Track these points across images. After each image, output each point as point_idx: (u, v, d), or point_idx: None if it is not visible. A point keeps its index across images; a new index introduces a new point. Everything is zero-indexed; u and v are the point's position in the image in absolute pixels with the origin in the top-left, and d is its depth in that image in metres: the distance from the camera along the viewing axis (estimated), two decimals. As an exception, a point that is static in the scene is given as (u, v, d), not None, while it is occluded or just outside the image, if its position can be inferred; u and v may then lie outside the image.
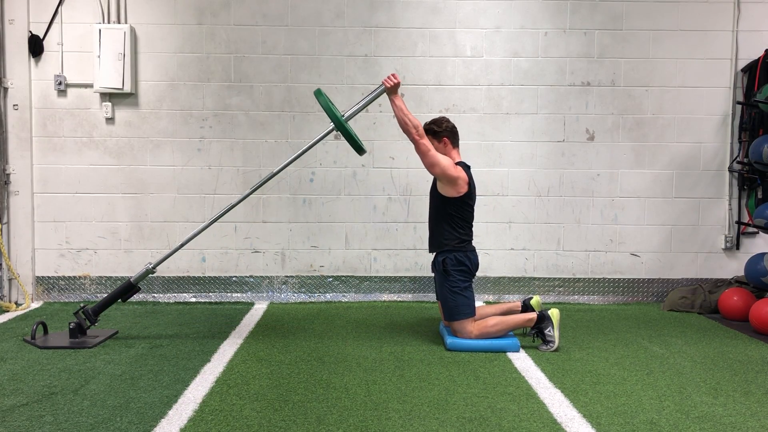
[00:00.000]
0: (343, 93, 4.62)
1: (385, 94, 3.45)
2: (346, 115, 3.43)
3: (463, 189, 3.42)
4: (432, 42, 4.63)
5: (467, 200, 3.47)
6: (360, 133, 4.63)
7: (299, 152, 3.58)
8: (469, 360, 3.26)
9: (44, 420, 2.43)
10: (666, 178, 4.72)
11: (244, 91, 4.62)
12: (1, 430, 2.34)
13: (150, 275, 3.69)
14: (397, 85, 3.40)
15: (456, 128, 3.59)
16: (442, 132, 3.52)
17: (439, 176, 3.42)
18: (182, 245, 3.65)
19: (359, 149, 3.46)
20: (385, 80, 3.39)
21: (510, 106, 4.66)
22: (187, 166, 4.63)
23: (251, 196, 4.62)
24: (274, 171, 3.59)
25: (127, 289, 3.59)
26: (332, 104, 3.36)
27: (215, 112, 4.62)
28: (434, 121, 3.55)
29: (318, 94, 3.35)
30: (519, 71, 4.65)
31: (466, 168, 3.52)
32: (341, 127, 3.32)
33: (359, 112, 3.51)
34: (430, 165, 3.39)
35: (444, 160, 3.40)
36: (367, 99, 3.46)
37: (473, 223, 3.57)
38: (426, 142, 3.38)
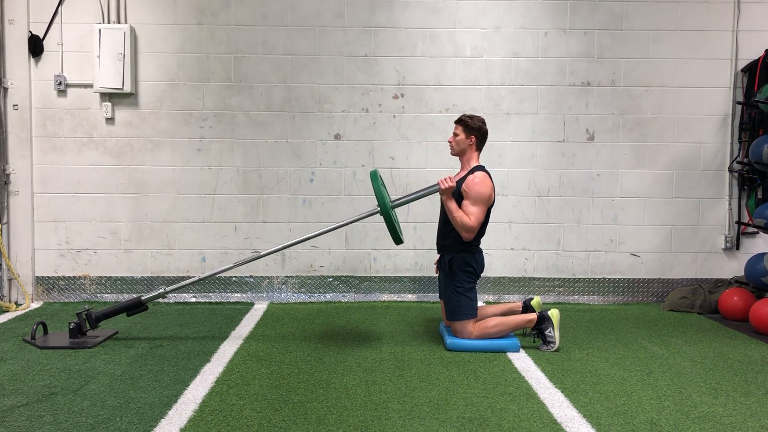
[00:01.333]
0: (343, 93, 4.62)
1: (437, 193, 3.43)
2: (395, 203, 3.41)
3: (492, 201, 3.44)
4: (432, 42, 4.63)
5: (489, 209, 3.47)
6: (360, 133, 4.64)
7: (345, 222, 3.54)
8: (469, 360, 3.26)
9: (44, 420, 2.43)
10: (666, 178, 4.72)
11: (244, 91, 4.62)
12: (1, 430, 2.34)
13: (162, 297, 3.63)
14: (450, 189, 3.35)
15: (487, 134, 3.57)
16: (474, 130, 3.49)
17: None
18: (205, 277, 3.62)
19: (397, 239, 3.36)
20: (441, 181, 3.35)
21: (510, 106, 4.66)
22: (187, 166, 4.63)
23: (251, 196, 4.65)
24: (336, 225, 3.53)
25: (136, 305, 3.58)
26: (385, 188, 3.34)
27: (215, 112, 4.62)
28: (472, 116, 3.51)
29: (373, 177, 3.31)
30: (519, 71, 4.65)
31: (489, 175, 3.46)
32: (387, 214, 3.24)
33: (407, 203, 3.52)
34: (478, 223, 3.38)
35: (481, 211, 3.37)
36: (419, 195, 3.44)
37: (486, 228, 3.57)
38: (471, 235, 3.38)
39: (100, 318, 3.56)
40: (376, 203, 3.32)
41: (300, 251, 4.69)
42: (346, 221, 3.54)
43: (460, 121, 3.52)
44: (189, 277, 4.64)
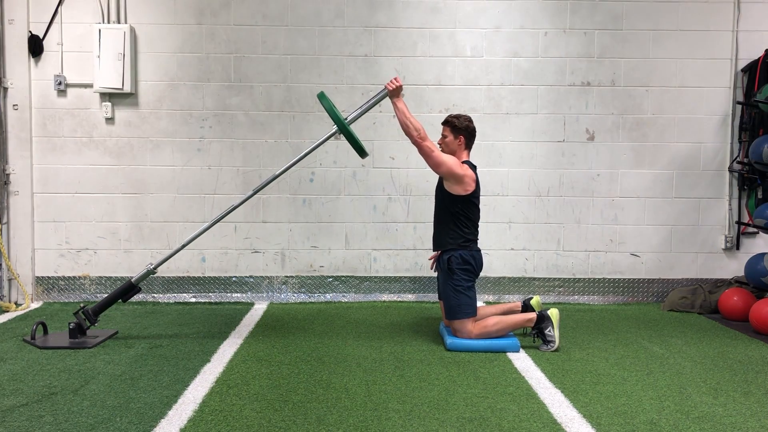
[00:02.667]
0: (343, 93, 4.62)
1: (387, 98, 3.45)
2: (349, 118, 3.43)
3: (471, 187, 3.42)
4: (432, 42, 4.62)
5: (473, 199, 3.47)
6: (360, 133, 4.62)
7: (302, 154, 3.58)
8: (469, 360, 3.26)
9: (44, 420, 2.43)
10: (666, 178, 4.72)
11: (244, 91, 4.62)
12: (1, 430, 2.34)
13: (150, 276, 3.68)
14: (399, 88, 3.41)
15: (475, 132, 3.59)
16: (462, 129, 3.52)
17: (446, 175, 3.42)
18: (183, 246, 3.65)
19: (361, 152, 3.46)
20: (388, 83, 3.41)
21: (510, 106, 4.66)
22: (187, 166, 4.63)
23: (252, 197, 4.63)
24: (276, 173, 3.59)
25: (128, 289, 3.59)
26: (335, 107, 3.36)
27: (215, 112, 4.62)
28: (458, 116, 3.54)
29: (321, 96, 3.36)
30: (519, 71, 4.65)
31: (473, 167, 3.52)
32: (344, 129, 3.32)
33: (362, 115, 3.52)
34: (435, 165, 3.39)
35: (449, 159, 3.40)
36: (370, 102, 3.47)
37: (479, 223, 3.57)
38: (429, 143, 3.37)
39: (97, 311, 3.56)
40: (331, 123, 3.37)
41: (300, 251, 4.69)
42: (307, 151, 3.57)
43: (446, 123, 3.55)
44: (190, 277, 4.65)
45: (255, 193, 3.66)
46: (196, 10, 4.57)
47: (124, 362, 3.16)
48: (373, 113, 4.62)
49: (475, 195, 3.48)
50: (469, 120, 3.55)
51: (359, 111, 3.48)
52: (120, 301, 3.62)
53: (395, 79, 3.41)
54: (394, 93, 3.41)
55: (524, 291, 4.73)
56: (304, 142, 4.62)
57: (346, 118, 3.38)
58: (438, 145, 3.55)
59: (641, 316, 4.33)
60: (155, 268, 3.61)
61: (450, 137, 3.52)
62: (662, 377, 3.03)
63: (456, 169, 3.38)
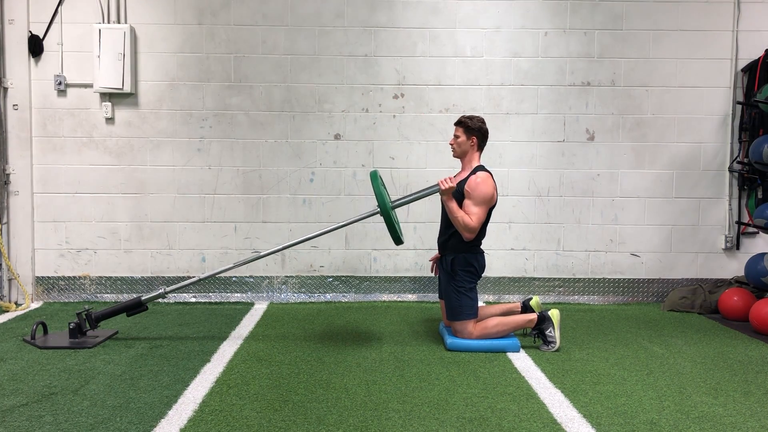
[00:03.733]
0: (343, 93, 4.62)
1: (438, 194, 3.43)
2: (395, 204, 3.41)
3: (494, 201, 3.44)
4: (432, 42, 4.63)
5: (491, 210, 3.47)
6: (360, 133, 4.63)
7: (345, 223, 3.51)
8: (469, 360, 3.26)
9: (44, 420, 2.43)
10: (666, 178, 4.72)
11: (244, 91, 4.62)
12: (1, 430, 2.34)
13: (162, 298, 3.63)
14: (450, 189, 3.34)
15: (488, 133, 3.56)
16: (475, 130, 3.49)
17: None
18: (207, 277, 3.61)
19: (397, 240, 3.35)
20: (441, 181, 3.34)
21: (510, 106, 4.66)
22: (187, 166, 4.63)
23: (251, 196, 4.64)
24: (337, 226, 3.51)
25: (136, 305, 3.58)
26: (385, 188, 3.33)
27: (215, 112, 4.62)
28: (471, 117, 3.52)
29: (373, 178, 3.31)
30: (519, 71, 4.65)
31: (491, 175, 3.46)
32: (387, 215, 3.23)
33: (408, 204, 3.51)
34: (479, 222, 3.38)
35: (482, 211, 3.37)
36: (419, 195, 3.43)
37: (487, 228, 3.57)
38: (472, 235, 3.37)
39: (100, 318, 3.56)
40: (376, 203, 3.31)
41: (300, 251, 4.69)
42: (347, 221, 3.54)
43: (459, 123, 3.52)
44: (189, 277, 4.65)
45: (309, 238, 3.58)
46: (196, 10, 4.57)
47: (124, 362, 3.16)
48: (373, 113, 4.62)
49: (494, 206, 3.48)
50: (482, 121, 3.53)
51: (406, 200, 3.45)
52: (125, 314, 3.62)
53: (450, 178, 3.35)
54: (445, 192, 3.35)
55: (524, 291, 4.73)
56: (304, 142, 4.62)
57: (392, 203, 3.35)
58: (450, 146, 3.56)
59: (641, 316, 4.33)
60: (167, 292, 3.60)
61: (462, 137, 3.51)
62: (662, 377, 3.03)
63: (488, 204, 3.39)
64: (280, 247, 3.55)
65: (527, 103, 4.66)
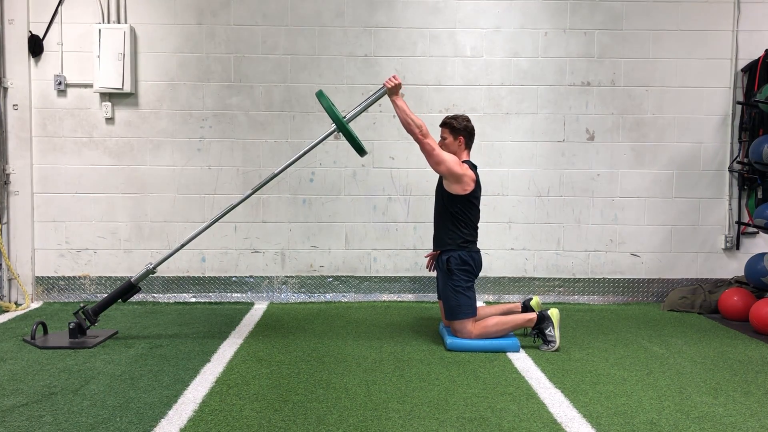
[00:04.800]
0: (343, 93, 4.62)
1: (386, 96, 3.45)
2: (348, 116, 3.43)
3: (470, 187, 3.42)
4: (432, 42, 4.62)
5: (472, 199, 3.46)
6: (360, 133, 4.63)
7: (300, 153, 3.58)
8: (469, 360, 3.26)
9: (44, 420, 2.43)
10: (666, 178, 4.72)
11: (244, 91, 4.62)
12: (1, 430, 2.34)
13: (150, 275, 3.68)
14: (398, 86, 3.40)
15: (474, 131, 3.59)
16: (461, 130, 3.51)
17: (445, 174, 3.42)
18: (183, 245, 3.65)
19: (360, 150, 3.45)
20: (386, 81, 3.40)
21: (510, 106, 4.66)
22: (187, 166, 4.63)
23: (251, 196, 4.63)
24: (275, 172, 3.58)
25: (128, 289, 3.59)
26: (334, 105, 3.36)
27: (215, 112, 4.62)
28: (455, 117, 3.54)
29: (320, 95, 3.35)
30: (519, 71, 4.65)
31: (473, 167, 3.51)
32: (343, 128, 3.31)
33: (361, 113, 3.51)
34: (435, 164, 3.39)
35: (449, 158, 3.39)
36: (369, 100, 3.47)
37: (478, 224, 3.57)
38: (430, 141, 3.36)
39: (97, 311, 3.56)
40: (330, 122, 3.36)
41: (300, 251, 4.69)
42: (304, 151, 3.56)
43: (444, 124, 3.54)
44: (190, 277, 4.65)
45: (253, 192, 3.66)
46: (196, 10, 4.57)
47: (124, 362, 3.16)
48: (373, 113, 4.62)
49: (475, 195, 3.47)
50: (467, 120, 3.55)
51: (358, 109, 3.47)
52: (120, 300, 3.63)
53: (393, 77, 3.39)
54: (393, 90, 3.40)
55: (524, 291, 4.73)
56: (303, 142, 4.62)
57: (345, 116, 3.38)
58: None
59: (641, 316, 4.33)
60: (155, 267, 3.61)
61: (449, 138, 3.52)
62: (662, 377, 3.03)
63: (455, 168, 3.38)
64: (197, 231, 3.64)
65: (527, 103, 4.66)
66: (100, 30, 4.43)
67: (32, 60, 4.53)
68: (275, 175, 3.59)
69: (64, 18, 4.53)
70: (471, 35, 4.63)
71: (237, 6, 4.58)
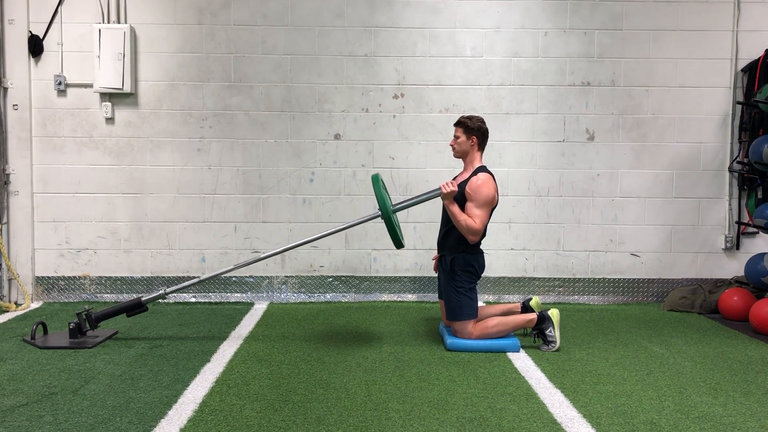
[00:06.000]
0: (343, 93, 4.62)
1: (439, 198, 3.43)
2: (396, 208, 3.40)
3: (495, 203, 3.44)
4: (432, 42, 4.62)
5: (492, 211, 3.47)
6: (360, 133, 4.63)
7: (345, 226, 3.50)
8: (469, 360, 3.26)
9: (44, 420, 2.43)
10: (666, 178, 4.72)
11: (244, 91, 4.62)
12: (1, 430, 2.34)
13: (159, 295, 3.65)
14: (452, 193, 3.34)
15: (488, 132, 3.56)
16: (475, 130, 3.49)
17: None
18: (202, 280, 3.62)
19: (398, 244, 3.35)
20: (443, 185, 3.34)
21: (510, 106, 4.66)
22: (186, 166, 4.63)
23: (251, 196, 4.64)
24: (338, 228, 3.51)
25: (136, 306, 3.59)
26: (387, 192, 3.33)
27: (215, 112, 4.62)
28: (471, 117, 3.52)
29: (375, 181, 3.31)
30: (519, 71, 4.65)
31: (492, 176, 3.46)
32: (388, 219, 3.24)
33: (409, 207, 3.51)
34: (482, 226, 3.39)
35: (485, 212, 3.37)
36: (421, 199, 3.43)
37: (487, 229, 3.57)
38: (475, 238, 3.38)
39: (100, 318, 3.56)
40: (377, 206, 3.31)
41: (300, 251, 4.69)
42: (349, 224, 3.53)
43: (459, 124, 3.52)
44: (190, 277, 4.65)
45: (310, 240, 3.58)
46: (196, 10, 4.57)
47: (124, 362, 3.16)
48: (373, 113, 4.62)
49: (495, 207, 3.48)
50: (482, 121, 3.53)
51: (407, 203, 3.44)
52: (125, 315, 3.63)
53: (450, 183, 3.36)
54: (447, 196, 3.35)
55: (524, 291, 4.73)
56: (303, 142, 4.62)
57: (393, 207, 3.35)
58: (451, 147, 3.56)
59: (641, 316, 4.33)
60: (168, 293, 3.61)
61: (462, 138, 3.51)
62: (662, 377, 3.03)
63: (491, 206, 3.39)
64: (281, 249, 3.56)
65: (527, 103, 4.66)
66: (100, 30, 4.43)
67: (32, 60, 4.53)
68: (327, 235, 3.53)
69: (64, 18, 4.53)
70: (471, 35, 4.63)
71: (237, 6, 4.58)
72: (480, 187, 3.36)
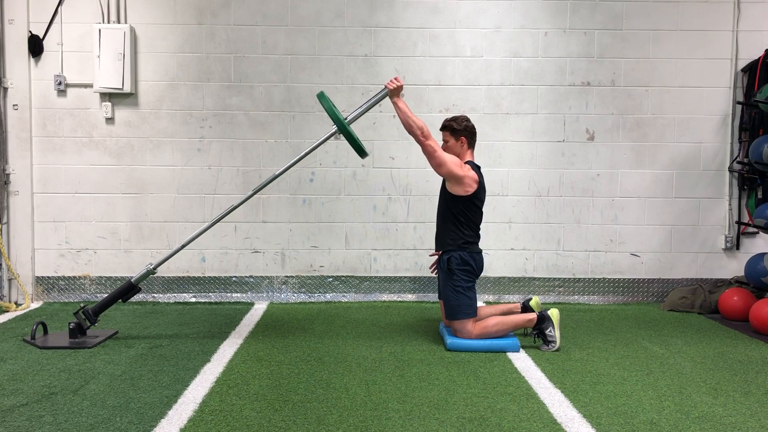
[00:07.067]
0: (343, 93, 4.62)
1: (387, 97, 3.45)
2: (349, 117, 3.42)
3: (471, 188, 3.42)
4: (432, 42, 4.62)
5: (475, 200, 3.46)
6: (360, 133, 4.62)
7: (302, 154, 3.58)
8: (469, 360, 3.26)
9: (44, 420, 2.43)
10: (666, 178, 4.72)
11: (244, 91, 4.62)
12: (1, 430, 2.34)
13: (150, 275, 3.68)
14: (399, 88, 3.40)
15: (475, 129, 3.59)
16: (461, 131, 3.52)
17: (446, 176, 3.42)
18: (183, 246, 3.64)
19: (361, 152, 3.44)
20: (388, 83, 3.41)
21: (510, 106, 4.66)
22: (187, 166, 4.63)
23: (252, 197, 4.63)
24: (276, 173, 3.58)
25: (128, 289, 3.59)
26: (335, 107, 3.36)
27: (215, 112, 4.62)
28: (455, 119, 3.54)
29: (321, 96, 3.36)
30: (519, 71, 4.65)
31: (476, 168, 3.51)
32: (344, 129, 3.32)
33: (362, 114, 3.51)
34: (437, 165, 3.39)
35: (450, 160, 3.39)
36: (370, 102, 3.47)
37: (480, 225, 3.57)
38: (432, 143, 3.36)
39: (97, 311, 3.56)
40: (331, 123, 3.36)
41: (300, 251, 4.69)
42: (303, 153, 3.55)
43: (445, 128, 3.55)
44: (190, 277, 4.65)
45: (254, 193, 3.65)
46: (196, 10, 4.57)
47: (124, 362, 3.16)
48: (374, 113, 4.62)
49: (478, 197, 3.47)
50: (467, 119, 3.55)
51: (359, 111, 3.47)
52: (120, 301, 3.63)
53: (395, 78, 3.40)
54: (395, 92, 3.41)
55: (524, 291, 4.73)
56: (304, 142, 4.62)
57: (346, 118, 3.38)
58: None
59: (641, 316, 4.33)
60: (155, 268, 3.61)
61: (452, 141, 3.53)
62: (662, 377, 3.03)
63: (456, 169, 3.38)
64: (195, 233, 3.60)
65: (527, 103, 4.66)
66: (100, 30, 4.43)
67: (32, 60, 4.53)
68: (276, 177, 3.59)
69: (64, 18, 4.53)
70: (471, 35, 4.62)
71: (237, 6, 4.58)
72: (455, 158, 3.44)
